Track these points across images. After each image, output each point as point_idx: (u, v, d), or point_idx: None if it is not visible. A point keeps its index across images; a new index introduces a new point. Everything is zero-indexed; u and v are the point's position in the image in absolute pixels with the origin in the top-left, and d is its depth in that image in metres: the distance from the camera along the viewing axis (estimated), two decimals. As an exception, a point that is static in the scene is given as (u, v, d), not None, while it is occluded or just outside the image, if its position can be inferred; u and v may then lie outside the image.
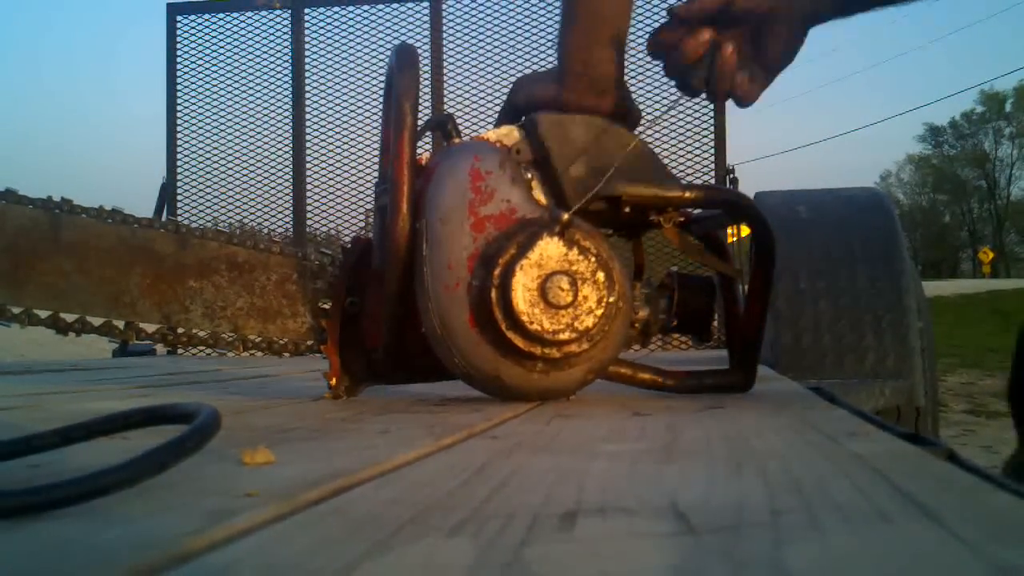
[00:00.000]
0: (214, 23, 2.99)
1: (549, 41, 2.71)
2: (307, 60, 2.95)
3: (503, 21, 2.84)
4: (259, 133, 2.97)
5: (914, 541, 0.31)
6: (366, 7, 2.92)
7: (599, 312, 0.83)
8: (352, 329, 0.95)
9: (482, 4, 2.87)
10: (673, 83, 0.90)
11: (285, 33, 2.96)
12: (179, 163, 2.96)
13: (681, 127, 2.68)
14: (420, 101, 0.91)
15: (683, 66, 0.87)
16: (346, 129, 2.94)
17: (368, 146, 2.89)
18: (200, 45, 2.99)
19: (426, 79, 2.83)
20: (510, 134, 0.90)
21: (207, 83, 2.98)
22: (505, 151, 0.88)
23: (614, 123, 0.92)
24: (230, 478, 0.46)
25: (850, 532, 0.32)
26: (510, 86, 1.00)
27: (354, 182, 2.92)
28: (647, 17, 2.68)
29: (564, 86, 0.92)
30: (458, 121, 0.98)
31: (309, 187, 2.94)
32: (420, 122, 0.90)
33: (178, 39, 2.98)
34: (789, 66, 0.90)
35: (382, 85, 1.02)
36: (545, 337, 0.83)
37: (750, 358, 0.98)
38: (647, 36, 0.91)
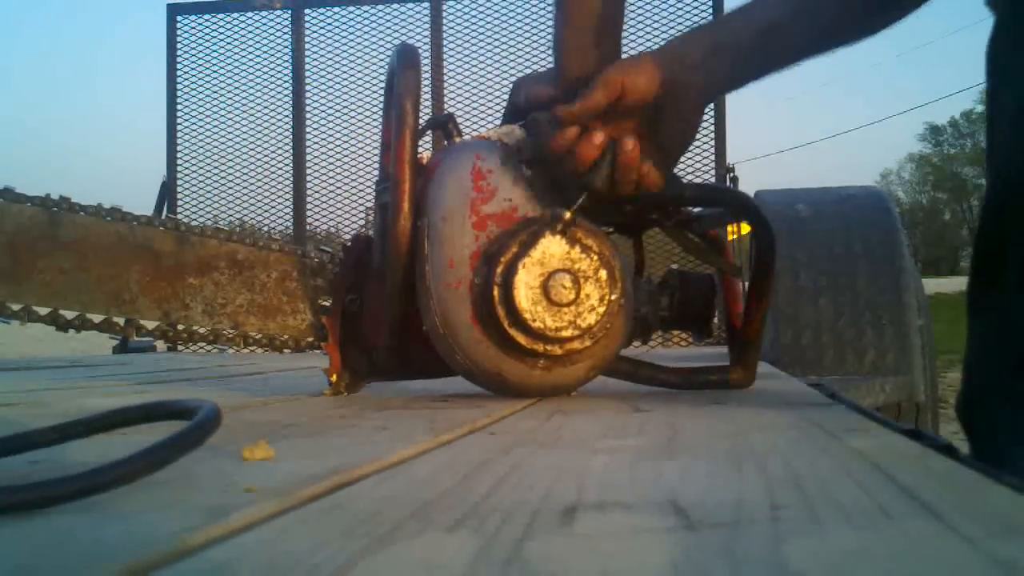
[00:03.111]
0: (214, 23, 2.99)
1: (549, 41, 2.71)
2: (307, 60, 2.95)
3: (503, 21, 2.84)
4: (259, 132, 2.97)
5: (915, 537, 0.31)
6: (366, 7, 2.92)
7: (601, 309, 0.83)
8: (352, 326, 0.95)
9: (482, 4, 2.87)
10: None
11: (285, 33, 2.96)
12: (179, 161, 2.96)
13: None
14: (421, 100, 0.91)
15: (582, 170, 0.84)
16: (346, 128, 2.94)
17: (368, 145, 2.89)
18: (200, 45, 2.99)
19: (426, 79, 2.83)
20: (511, 133, 0.90)
21: (207, 83, 2.98)
22: (506, 150, 0.88)
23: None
24: (230, 474, 0.46)
25: (850, 528, 0.32)
26: (510, 86, 1.00)
27: (354, 180, 2.92)
28: (643, 15, 2.68)
29: (561, 86, 0.91)
30: (458, 120, 0.98)
31: (309, 185, 2.95)
32: (421, 121, 0.90)
33: (178, 39, 2.99)
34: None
35: (382, 85, 1.02)
36: (548, 334, 0.83)
37: (751, 355, 0.98)
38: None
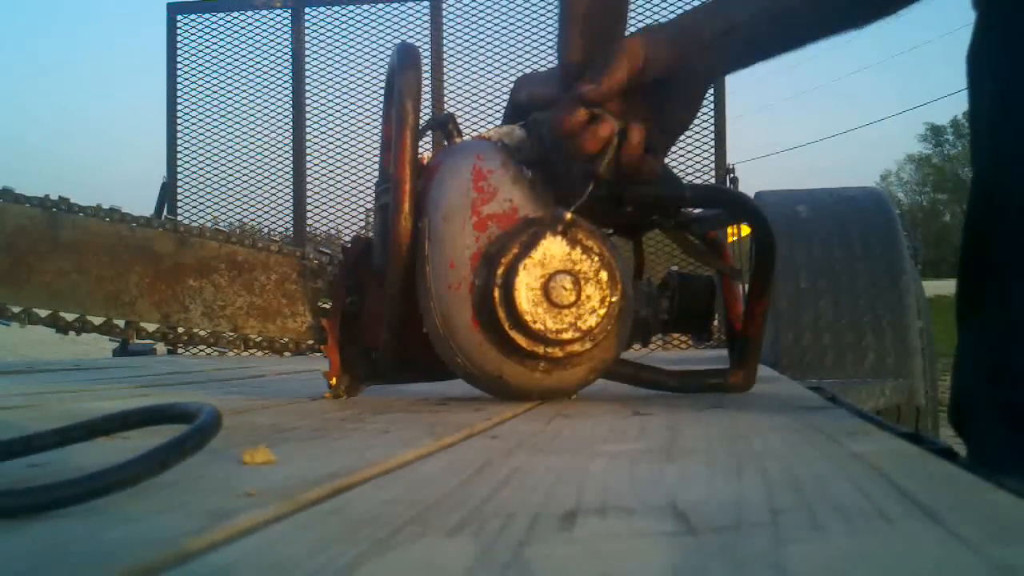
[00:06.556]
0: (214, 22, 2.99)
1: (549, 41, 2.71)
2: (307, 59, 2.95)
3: (503, 20, 2.84)
4: (259, 132, 2.97)
5: (914, 541, 0.31)
6: (366, 6, 2.92)
7: (602, 311, 0.83)
8: (352, 328, 0.95)
9: (482, 3, 2.87)
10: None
11: (285, 32, 2.96)
12: (179, 162, 2.96)
13: (681, 126, 2.67)
14: (422, 100, 0.90)
15: (585, 157, 0.82)
16: (346, 128, 2.94)
17: (368, 145, 2.89)
18: (200, 44, 2.99)
19: (427, 78, 2.83)
20: (511, 133, 0.90)
21: (207, 82, 2.98)
22: (507, 150, 0.88)
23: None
24: (230, 478, 0.46)
25: (850, 532, 0.32)
26: (511, 85, 1.00)
27: (354, 181, 2.92)
28: (645, 17, 2.68)
29: (564, 86, 0.91)
30: (459, 120, 0.98)
31: (309, 186, 2.94)
32: (422, 121, 0.90)
33: (178, 38, 2.98)
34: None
35: (383, 84, 1.02)
36: (548, 336, 0.83)
37: (750, 358, 0.98)
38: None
